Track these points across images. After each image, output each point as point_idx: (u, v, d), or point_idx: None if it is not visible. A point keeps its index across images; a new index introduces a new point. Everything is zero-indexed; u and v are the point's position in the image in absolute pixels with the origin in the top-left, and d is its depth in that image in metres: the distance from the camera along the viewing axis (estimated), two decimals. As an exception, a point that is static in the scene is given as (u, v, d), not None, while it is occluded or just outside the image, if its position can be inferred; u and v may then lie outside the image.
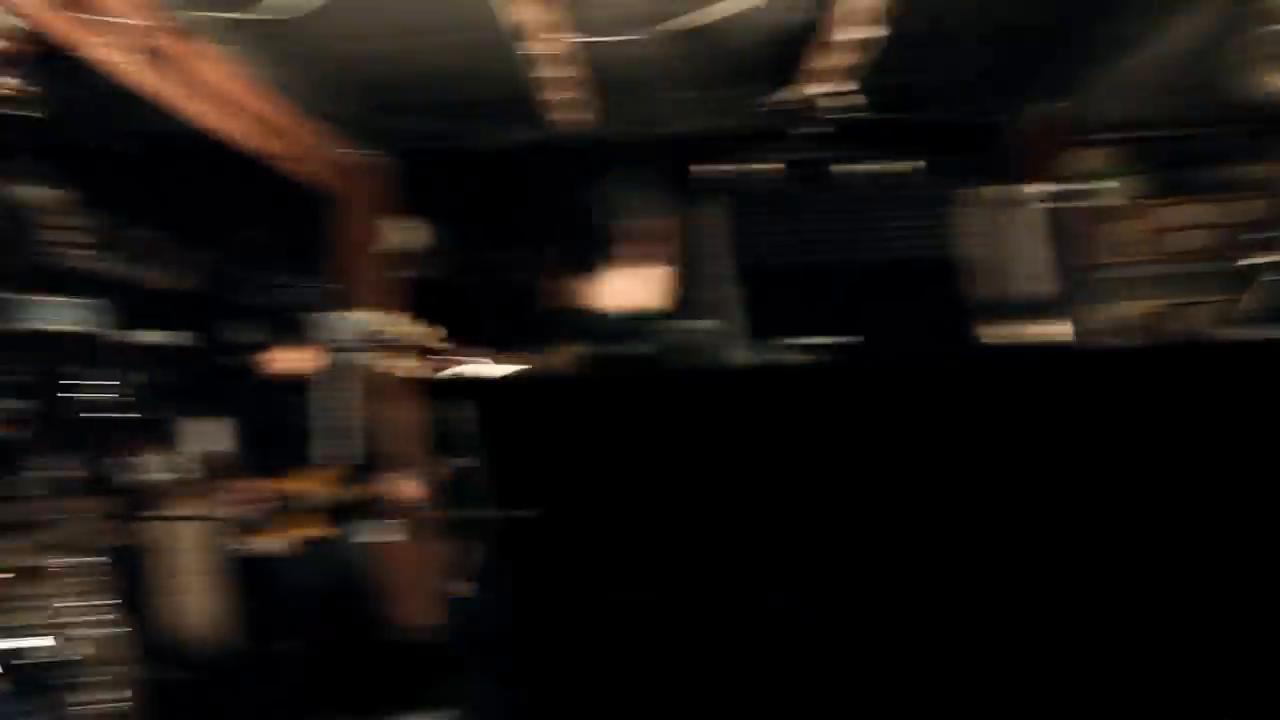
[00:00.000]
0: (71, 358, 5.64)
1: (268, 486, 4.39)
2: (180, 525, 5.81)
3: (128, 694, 3.08)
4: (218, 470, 6.25)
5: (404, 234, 5.98)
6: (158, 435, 6.68)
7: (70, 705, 3.14)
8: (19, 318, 5.22)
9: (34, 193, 5.21)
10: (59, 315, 5.39)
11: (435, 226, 6.29)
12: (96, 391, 5.80)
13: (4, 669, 3.05)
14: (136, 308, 6.55)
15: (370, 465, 4.48)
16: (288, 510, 4.29)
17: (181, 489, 6.21)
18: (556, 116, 5.77)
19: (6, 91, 3.21)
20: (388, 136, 5.76)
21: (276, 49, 4.78)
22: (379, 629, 4.59)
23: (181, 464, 6.65)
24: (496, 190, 6.80)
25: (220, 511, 6.06)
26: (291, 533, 4.29)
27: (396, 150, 5.84)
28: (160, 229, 6.66)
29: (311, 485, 4.33)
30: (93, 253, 5.84)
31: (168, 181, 6.13)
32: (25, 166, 5.33)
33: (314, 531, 4.32)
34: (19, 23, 3.12)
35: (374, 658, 4.72)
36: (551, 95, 5.46)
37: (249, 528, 4.31)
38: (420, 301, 6.35)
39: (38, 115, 3.29)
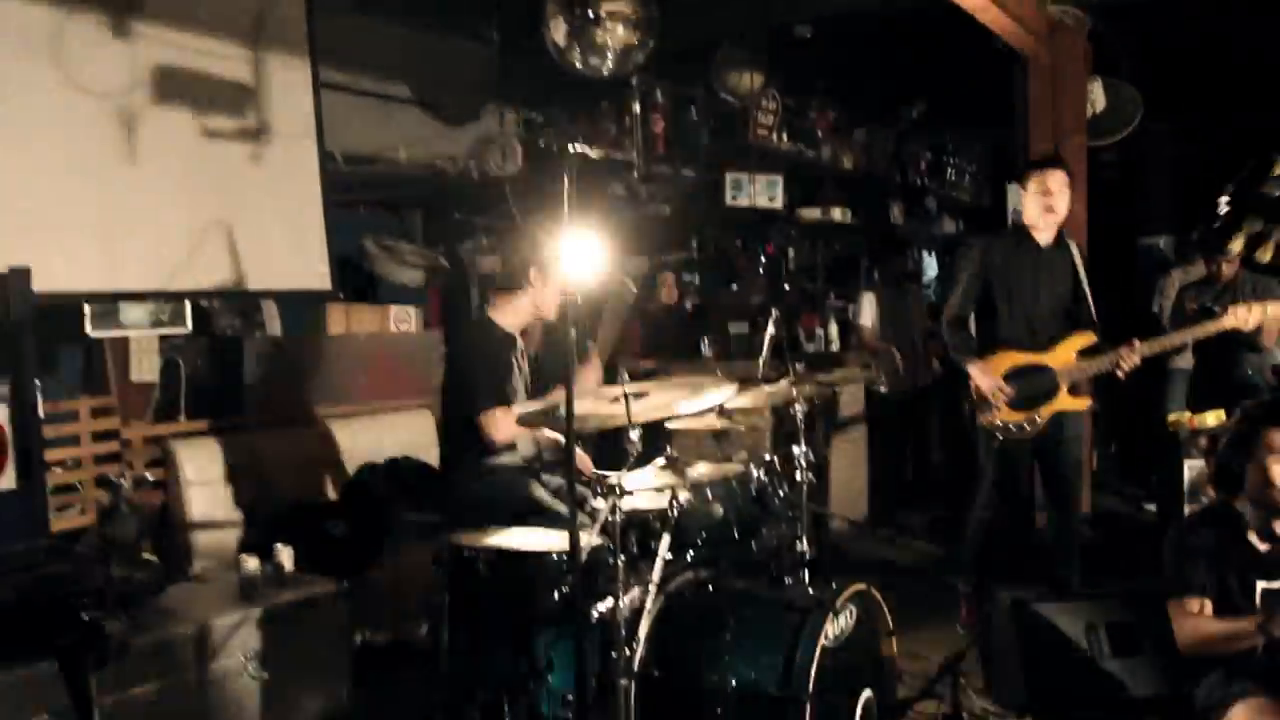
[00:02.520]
0: (764, 230, 6.08)
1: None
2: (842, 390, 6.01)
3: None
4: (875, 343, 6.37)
5: (1102, 99, 5.42)
6: (819, 305, 7.03)
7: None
8: (730, 194, 5.69)
9: (745, 80, 5.54)
10: (757, 192, 5.74)
11: (1141, 92, 5.61)
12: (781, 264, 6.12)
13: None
14: (810, 185, 6.88)
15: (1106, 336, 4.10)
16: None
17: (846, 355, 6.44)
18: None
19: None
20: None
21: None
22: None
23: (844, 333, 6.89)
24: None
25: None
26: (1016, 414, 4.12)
27: (1100, 8, 5.25)
28: (838, 109, 6.78)
29: (1062, 357, 4.08)
30: (779, 134, 6.11)
31: (852, 61, 6.19)
32: (733, 54, 5.69)
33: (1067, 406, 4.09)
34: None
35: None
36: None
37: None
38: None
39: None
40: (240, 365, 4.66)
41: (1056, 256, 4.22)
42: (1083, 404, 4.19)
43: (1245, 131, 7.58)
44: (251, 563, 3.49)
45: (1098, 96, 5.72)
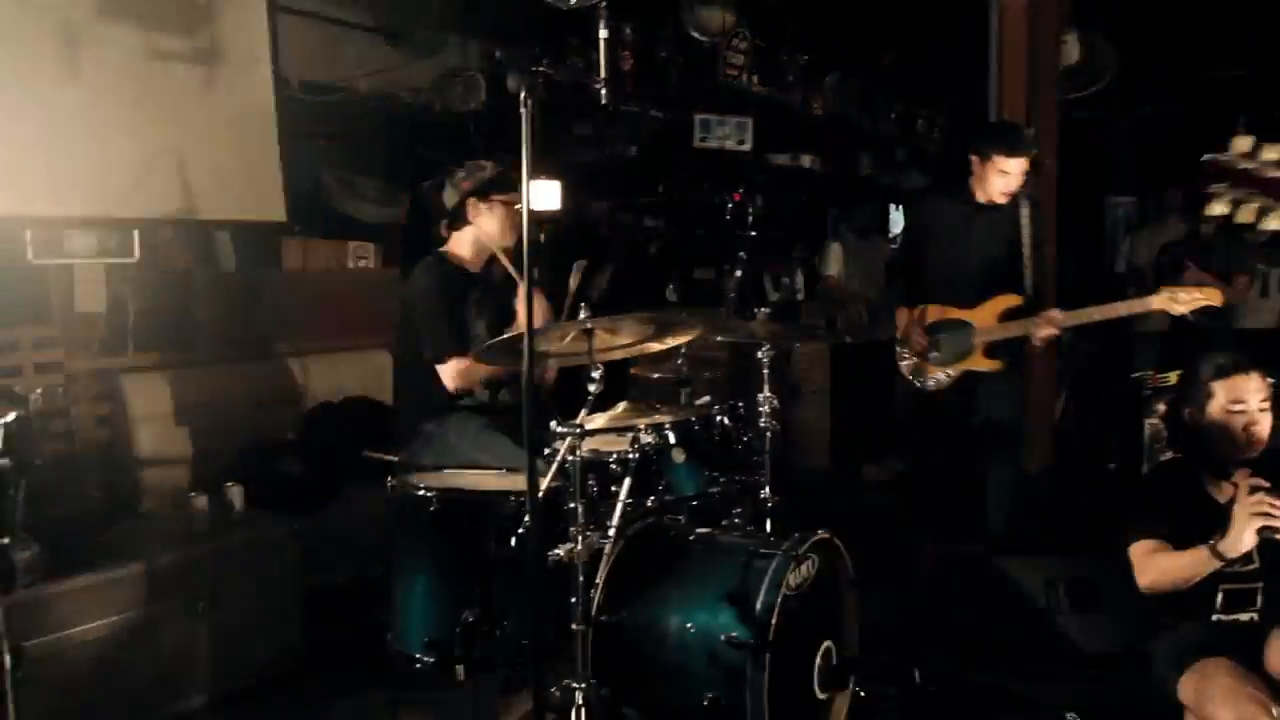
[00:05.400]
0: (732, 176, 5.96)
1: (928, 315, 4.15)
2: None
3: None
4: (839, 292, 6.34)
5: (1076, 52, 5.34)
6: (783, 252, 6.95)
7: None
8: (699, 135, 5.57)
9: (717, 17, 5.38)
10: (726, 134, 5.62)
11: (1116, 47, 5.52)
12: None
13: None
14: (777, 130, 6.75)
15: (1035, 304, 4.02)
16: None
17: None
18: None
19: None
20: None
21: None
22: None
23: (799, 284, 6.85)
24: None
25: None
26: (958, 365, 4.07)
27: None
28: (805, 51, 6.64)
29: (984, 317, 4.05)
30: (749, 75, 5.98)
31: (824, 2, 6.04)
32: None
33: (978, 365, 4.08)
34: None
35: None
36: None
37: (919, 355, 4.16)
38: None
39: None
40: (191, 299, 4.52)
41: (998, 216, 4.07)
42: (994, 365, 4.06)
43: (1216, 93, 7.54)
44: (200, 501, 3.39)
45: (1072, 49, 5.64)
